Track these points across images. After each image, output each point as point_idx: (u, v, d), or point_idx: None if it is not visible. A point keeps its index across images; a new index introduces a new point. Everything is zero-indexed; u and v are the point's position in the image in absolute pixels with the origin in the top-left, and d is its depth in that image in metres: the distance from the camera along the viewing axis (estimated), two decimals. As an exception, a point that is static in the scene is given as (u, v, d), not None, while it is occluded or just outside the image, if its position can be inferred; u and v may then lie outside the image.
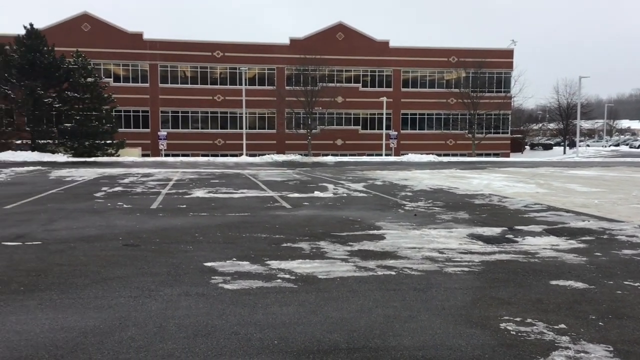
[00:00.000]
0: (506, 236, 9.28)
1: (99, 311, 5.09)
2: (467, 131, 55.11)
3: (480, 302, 5.55)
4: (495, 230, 9.80)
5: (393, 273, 6.66)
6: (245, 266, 6.86)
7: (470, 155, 52.99)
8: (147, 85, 51.93)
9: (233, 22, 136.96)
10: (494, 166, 33.47)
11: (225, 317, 4.97)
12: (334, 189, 17.76)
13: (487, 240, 8.91)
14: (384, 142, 51.37)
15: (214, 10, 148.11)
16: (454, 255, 7.68)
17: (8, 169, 26.98)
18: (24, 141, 43.01)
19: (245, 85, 50.28)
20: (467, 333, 4.68)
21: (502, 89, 56.61)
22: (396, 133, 51.95)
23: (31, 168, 28.32)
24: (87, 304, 5.28)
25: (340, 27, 55.00)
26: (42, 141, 42.77)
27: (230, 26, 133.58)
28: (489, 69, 55.03)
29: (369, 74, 55.55)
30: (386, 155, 50.55)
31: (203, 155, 48.32)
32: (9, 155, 38.86)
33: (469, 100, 52.61)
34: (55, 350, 4.15)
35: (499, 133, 57.53)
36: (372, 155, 51.90)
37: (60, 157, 39.95)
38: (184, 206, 12.89)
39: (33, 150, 41.43)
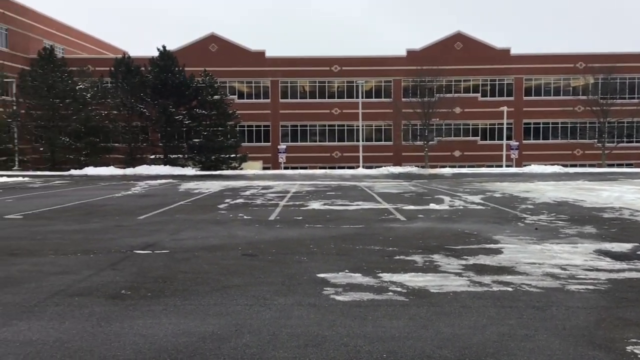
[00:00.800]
0: (638, 252, 8.62)
1: (218, 318, 5.34)
2: (596, 140, 51.83)
3: (605, 323, 5.20)
4: (625, 246, 9.13)
5: (510, 289, 6.41)
6: (357, 278, 6.91)
7: (599, 166, 49.72)
8: (268, 100, 53.87)
9: (343, 30, 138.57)
10: (627, 177, 31.19)
11: (336, 328, 5.04)
12: (450, 201, 17.40)
13: (616, 256, 8.32)
14: (504, 153, 49.57)
15: (326, 22, 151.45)
16: (577, 272, 7.25)
17: (143, 182, 29.07)
18: (157, 156, 46.15)
19: (362, 98, 50.70)
20: (590, 355, 4.41)
21: (636, 95, 52.71)
22: (517, 143, 49.96)
23: (163, 181, 30.31)
24: (207, 311, 5.56)
25: (458, 37, 54.00)
26: (173, 155, 45.65)
27: (341, 35, 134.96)
28: (620, 74, 51.49)
29: (488, 83, 53.97)
30: (507, 166, 48.72)
31: (320, 168, 49.23)
32: (144, 169, 41.92)
33: (598, 107, 49.49)
34: (176, 354, 4.42)
35: (632, 142, 53.53)
36: (491, 166, 50.24)
37: (189, 171, 42.43)
38: (300, 218, 13.21)
39: (165, 164, 44.36)
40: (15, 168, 43.81)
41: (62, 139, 44.67)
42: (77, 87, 45.39)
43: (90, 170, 41.00)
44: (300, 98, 54.41)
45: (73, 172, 41.16)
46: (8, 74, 47.04)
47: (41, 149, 45.60)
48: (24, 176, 35.27)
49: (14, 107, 45.17)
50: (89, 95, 45.71)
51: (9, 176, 34.19)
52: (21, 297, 6.02)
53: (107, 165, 44.15)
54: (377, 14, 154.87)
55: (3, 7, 50.21)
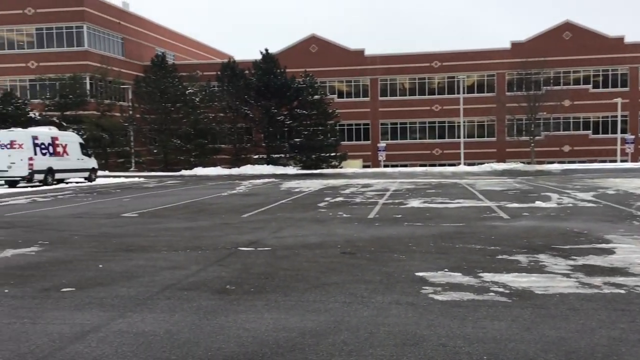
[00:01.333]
0: None
1: (317, 314, 5.45)
2: None
3: None
4: None
5: (622, 291, 6.06)
6: (457, 277, 6.79)
7: None
8: (367, 99, 53.94)
9: (440, 24, 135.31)
10: None
11: (434, 328, 4.99)
12: (558, 198, 16.63)
13: None
14: (618, 147, 46.63)
15: (423, 14, 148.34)
16: (700, 276, 6.72)
17: (247, 181, 30.07)
18: (261, 155, 47.56)
19: (463, 93, 49.50)
20: None
21: None
22: (633, 137, 46.89)
23: (266, 180, 31.19)
24: (307, 307, 5.69)
25: (567, 26, 51.41)
26: (276, 155, 46.87)
27: (438, 29, 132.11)
28: None
29: (600, 73, 50.99)
30: (621, 161, 45.80)
31: (421, 166, 48.60)
32: (248, 169, 43.34)
33: None
34: (276, 348, 4.56)
35: None
36: (604, 162, 47.41)
37: (291, 170, 43.37)
38: (399, 216, 13.14)
39: (268, 164, 45.63)
40: (131, 169, 46.74)
41: (174, 141, 47.11)
42: (187, 92, 47.69)
43: (199, 171, 42.96)
44: (399, 95, 54.03)
45: (184, 172, 43.30)
46: (124, 80, 50.24)
47: (155, 150, 48.34)
48: (139, 177, 37.55)
49: (130, 112, 48.19)
50: (197, 99, 47.90)
51: (126, 177, 36.54)
52: (136, 290, 6.43)
53: (215, 165, 46.08)
54: (475, 7, 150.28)
55: (119, 17, 53.62)
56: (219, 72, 47.74)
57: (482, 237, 9.76)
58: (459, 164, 46.72)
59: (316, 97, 46.37)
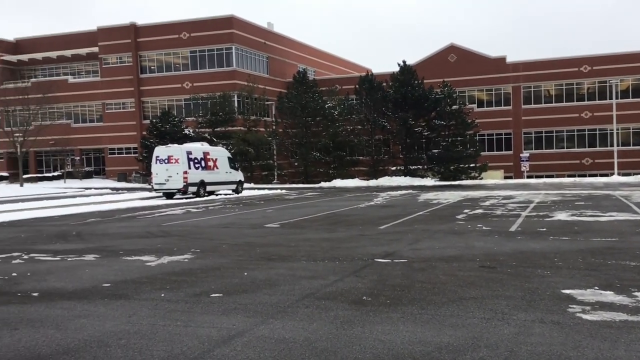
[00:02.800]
0: None
1: (454, 329, 5.34)
2: None
3: None
4: None
5: None
6: (609, 296, 6.32)
7: None
8: (509, 107, 51.93)
9: (584, 26, 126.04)
10: None
11: (582, 349, 4.69)
12: None
13: None
14: None
15: (564, 17, 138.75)
16: None
17: (384, 193, 30.15)
18: (398, 167, 47.48)
19: (617, 98, 45.98)
20: None
21: None
22: None
23: (403, 192, 31.07)
24: (443, 321, 5.60)
25: None
26: (413, 167, 46.56)
27: (582, 31, 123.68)
28: None
29: None
30: None
31: (569, 176, 45.79)
32: (385, 181, 43.46)
33: None
34: (412, 360, 4.54)
35: None
36: None
37: (428, 181, 42.83)
38: (544, 229, 12.48)
39: (405, 176, 45.44)
40: (274, 181, 48.75)
41: (314, 154, 48.51)
42: (326, 106, 48.96)
43: (337, 182, 43.80)
44: (544, 103, 51.44)
45: (323, 184, 44.37)
46: (268, 97, 52.69)
47: (296, 163, 50.08)
48: (281, 188, 39.05)
49: (274, 127, 50.38)
50: (336, 112, 48.99)
51: (269, 189, 38.19)
52: (277, 298, 6.72)
53: (353, 177, 46.74)
54: (618, 6, 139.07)
55: (264, 37, 56.45)
56: (357, 86, 48.48)
57: (638, 254, 9.00)
58: (612, 174, 43.35)
59: (455, 107, 45.47)
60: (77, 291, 7.34)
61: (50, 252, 10.86)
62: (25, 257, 10.37)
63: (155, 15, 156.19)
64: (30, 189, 43.23)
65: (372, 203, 22.90)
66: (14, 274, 8.61)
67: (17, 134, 48.44)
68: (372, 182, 43.48)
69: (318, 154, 48.75)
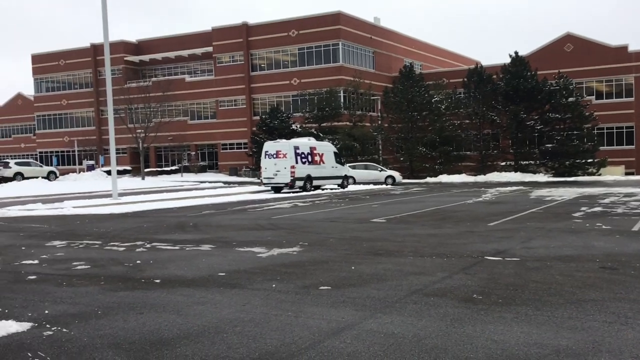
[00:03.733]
0: None
1: (572, 332, 5.10)
2: None
3: None
4: None
5: None
6: None
7: None
8: (631, 99, 48.50)
9: None
10: None
11: None
12: None
13: None
14: None
15: None
16: None
17: (493, 189, 29.24)
18: (508, 162, 45.82)
19: None
20: None
21: None
22: None
23: (513, 188, 29.97)
24: (561, 324, 5.36)
25: None
26: (524, 162, 44.76)
27: None
28: None
29: None
30: None
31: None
32: (494, 176, 42.10)
33: None
34: (527, 362, 4.39)
35: None
36: None
37: (541, 177, 41.00)
38: (673, 230, 11.59)
39: (515, 171, 43.77)
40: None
41: (419, 149, 47.93)
42: (433, 100, 48.16)
43: (443, 178, 43.00)
44: (672, 93, 47.54)
45: (428, 179, 43.75)
46: (374, 92, 52.65)
47: (401, 158, 49.69)
48: (386, 184, 38.84)
49: (379, 122, 50.27)
50: (443, 106, 48.08)
51: (374, 183, 38.14)
52: (384, 292, 6.72)
53: (459, 172, 45.68)
54: None
55: (370, 32, 56.48)
56: (465, 79, 47.28)
57: None
58: None
59: (571, 99, 43.14)
60: (196, 279, 7.74)
61: (170, 242, 11.52)
62: (148, 245, 11.06)
63: (257, 15, 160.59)
64: (150, 182, 46.00)
65: (480, 199, 22.28)
66: (138, 262, 9.22)
67: (139, 130, 51.66)
68: (480, 178, 42.26)
69: (424, 149, 48.10)
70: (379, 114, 51.46)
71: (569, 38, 50.37)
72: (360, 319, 5.64)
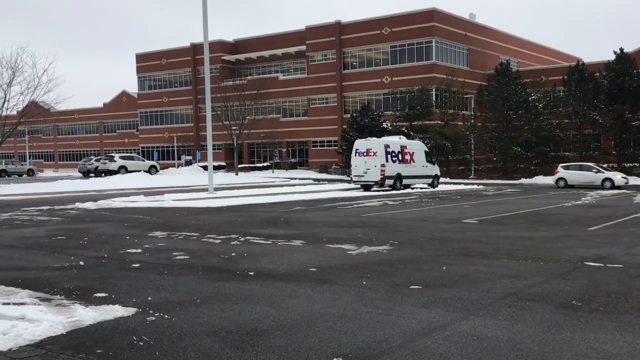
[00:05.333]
0: None
1: (681, 345, 4.81)
2: None
3: None
4: None
5: None
6: None
7: None
8: None
9: None
10: None
11: None
12: None
13: None
14: None
15: None
16: None
17: (593, 192, 27.87)
18: (610, 165, 43.44)
19: None
20: None
21: None
22: None
23: (616, 191, 28.39)
24: (668, 336, 5.07)
25: None
26: (628, 164, 42.36)
27: None
28: None
29: None
30: None
31: None
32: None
33: None
34: (630, 374, 4.19)
35: None
36: None
37: (647, 181, 38.55)
38: None
39: (619, 174, 41.35)
40: (471, 176, 47.55)
41: (514, 149, 46.37)
42: (530, 98, 46.44)
43: (539, 179, 41.36)
44: None
45: (523, 180, 42.25)
46: (468, 90, 51.47)
47: (494, 158, 48.29)
48: (478, 184, 37.97)
49: (472, 121, 49.09)
50: (541, 105, 46.27)
51: (465, 184, 37.35)
52: (477, 294, 6.60)
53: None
54: None
55: (465, 29, 55.28)
56: (565, 77, 45.25)
57: None
58: None
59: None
60: (288, 273, 7.93)
61: (262, 236, 11.84)
62: (242, 239, 11.43)
63: (344, 13, 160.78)
64: (244, 177, 47.33)
65: (579, 202, 21.29)
66: (233, 254, 9.55)
67: (234, 127, 53.28)
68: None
69: (519, 149, 46.48)
70: (472, 112, 50.24)
71: (682, 32, 47.00)
72: (452, 320, 5.57)
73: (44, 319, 5.52)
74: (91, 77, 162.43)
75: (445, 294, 6.62)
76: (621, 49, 42.90)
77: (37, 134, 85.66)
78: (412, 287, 7.01)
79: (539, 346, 4.80)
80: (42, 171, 64.63)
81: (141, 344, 4.95)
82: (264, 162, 64.27)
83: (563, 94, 45.90)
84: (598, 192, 28.13)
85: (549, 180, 40.55)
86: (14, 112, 34.79)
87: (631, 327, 5.29)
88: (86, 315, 5.75)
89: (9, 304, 6.17)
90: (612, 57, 43.08)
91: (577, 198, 23.53)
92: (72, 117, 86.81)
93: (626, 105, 41.27)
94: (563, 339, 4.99)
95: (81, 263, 8.82)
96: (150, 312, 5.95)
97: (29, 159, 74.34)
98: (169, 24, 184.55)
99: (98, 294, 6.72)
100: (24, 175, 54.02)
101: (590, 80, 43.30)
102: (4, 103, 31.28)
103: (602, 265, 8.37)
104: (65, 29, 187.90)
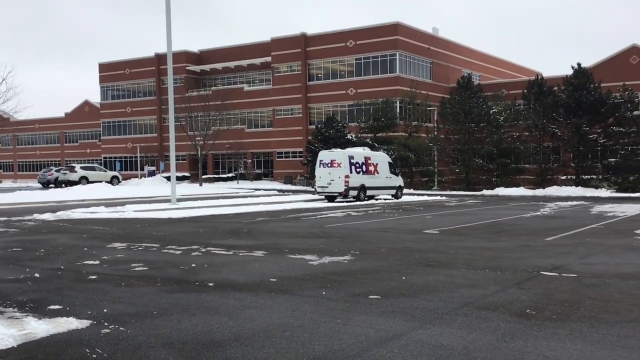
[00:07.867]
0: None
1: (629, 351, 4.96)
2: None
3: None
4: None
5: None
6: None
7: None
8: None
9: None
10: None
11: None
12: None
13: None
14: None
15: None
16: None
17: (552, 203, 28.47)
18: (569, 176, 44.52)
19: None
20: None
21: None
22: None
23: (573, 203, 29.09)
24: (616, 342, 5.21)
25: None
26: (586, 176, 43.41)
27: None
28: None
29: None
30: None
31: None
32: (554, 190, 40.94)
33: None
34: (579, 379, 4.29)
35: None
36: None
37: (603, 192, 39.64)
38: None
39: (577, 186, 42.46)
40: (434, 188, 48.14)
41: (476, 161, 47.16)
42: (491, 111, 47.34)
43: (501, 191, 42.13)
44: None
45: (485, 192, 42.95)
46: (431, 102, 52.23)
47: (457, 170, 49.01)
48: (441, 195, 38.47)
49: (435, 133, 49.79)
50: (501, 118, 47.19)
51: (429, 195, 37.78)
52: (435, 304, 6.68)
53: (517, 185, 44.72)
54: None
55: (428, 43, 56.16)
56: (524, 90, 46.29)
57: None
58: None
59: (636, 112, 41.59)
60: (247, 284, 7.89)
61: (224, 247, 11.76)
62: (203, 250, 11.33)
63: (310, 26, 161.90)
64: (208, 188, 46.98)
65: (538, 213, 21.74)
66: (193, 265, 9.46)
67: (198, 138, 52.90)
68: (539, 192, 41.15)
69: (481, 161, 47.31)
70: (435, 124, 50.98)
71: (635, 50, 48.66)
72: (408, 329, 5.63)
73: (-7, 332, 5.38)
74: (53, 87, 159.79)
75: (403, 304, 6.68)
76: (579, 64, 44.14)
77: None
78: (371, 296, 7.05)
79: (492, 354, 4.88)
80: (0, 182, 63.02)
81: (94, 356, 4.87)
82: (228, 172, 63.95)
83: (523, 107, 46.92)
84: (557, 203, 28.78)
85: (511, 191, 41.37)
86: (-30, 121, 33.91)
87: (582, 335, 5.42)
88: (39, 327, 5.63)
89: (-43, 317, 5.99)
90: (570, 71, 44.28)
91: (536, 209, 24.02)
92: (33, 126, 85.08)
93: (584, 118, 42.40)
94: (516, 347, 5.08)
95: (36, 275, 8.62)
96: (105, 324, 5.85)
97: (-14, 169, 72.44)
98: (135, 35, 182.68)
99: (52, 307, 6.57)
100: (-19, 186, 52.57)
101: (549, 94, 44.38)
102: (-41, 111, 30.46)
103: (557, 274, 8.56)
104: (27, 38, 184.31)
